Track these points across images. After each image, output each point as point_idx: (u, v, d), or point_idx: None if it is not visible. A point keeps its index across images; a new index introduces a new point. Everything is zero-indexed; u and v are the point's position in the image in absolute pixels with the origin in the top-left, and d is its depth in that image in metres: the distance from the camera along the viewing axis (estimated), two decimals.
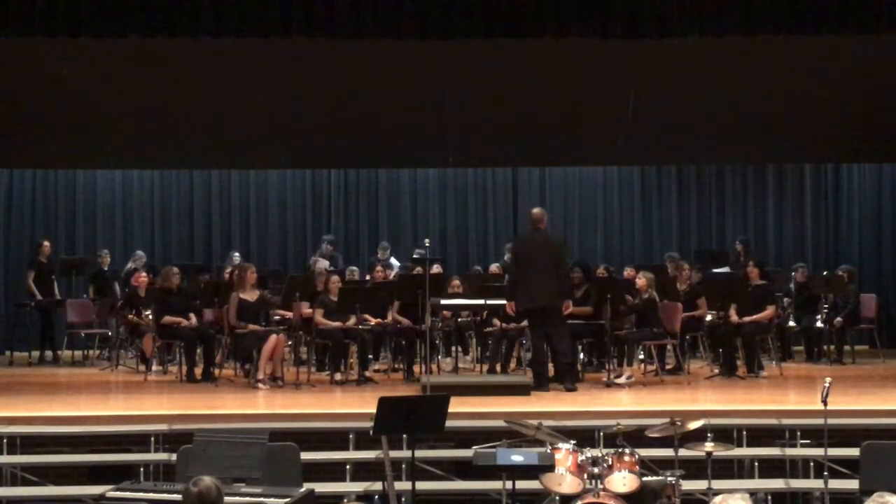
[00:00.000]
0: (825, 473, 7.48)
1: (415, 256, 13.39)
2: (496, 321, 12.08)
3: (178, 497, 5.67)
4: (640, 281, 11.47)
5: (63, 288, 14.57)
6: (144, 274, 13.29)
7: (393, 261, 14.92)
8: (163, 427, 8.68)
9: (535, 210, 11.18)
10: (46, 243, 14.38)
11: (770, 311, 11.93)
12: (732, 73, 11.51)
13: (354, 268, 14.30)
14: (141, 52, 10.58)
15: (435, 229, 16.18)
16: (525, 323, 11.52)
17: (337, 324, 11.44)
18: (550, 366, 10.70)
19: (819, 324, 13.20)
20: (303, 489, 6.41)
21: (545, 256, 10.57)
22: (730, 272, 13.70)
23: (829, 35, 10.06)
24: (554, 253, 10.68)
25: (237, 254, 15.15)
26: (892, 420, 8.73)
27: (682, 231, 16.48)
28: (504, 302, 11.28)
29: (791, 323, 13.55)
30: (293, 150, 13.71)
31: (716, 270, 13.96)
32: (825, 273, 13.85)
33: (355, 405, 9.62)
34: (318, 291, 11.85)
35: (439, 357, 12.81)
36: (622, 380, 11.07)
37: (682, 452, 7.24)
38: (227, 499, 5.05)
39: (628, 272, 13.12)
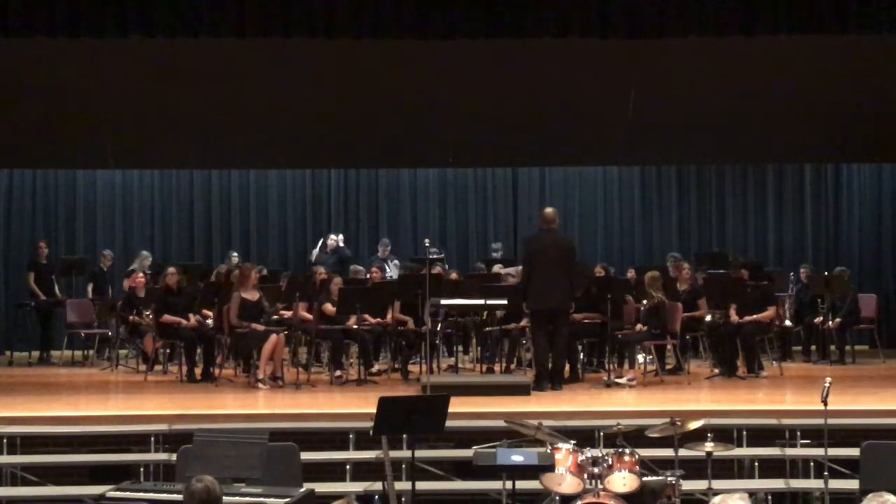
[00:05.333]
0: (825, 473, 7.49)
1: (431, 256, 13.20)
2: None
3: (178, 497, 5.68)
4: (646, 281, 11.48)
5: (63, 288, 14.58)
6: (142, 274, 13.30)
7: (392, 263, 14.92)
8: (163, 427, 8.68)
9: (548, 210, 11.21)
10: (42, 244, 14.40)
11: (770, 311, 11.93)
12: (732, 73, 11.50)
13: (360, 267, 14.28)
14: (141, 52, 10.57)
15: (435, 229, 16.18)
16: (524, 322, 11.55)
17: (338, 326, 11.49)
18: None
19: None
20: (303, 489, 6.42)
21: (556, 258, 10.61)
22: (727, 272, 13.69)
23: (830, 35, 10.05)
24: (565, 254, 10.73)
25: (235, 254, 15.15)
26: (892, 420, 8.74)
27: (682, 231, 16.49)
28: (505, 302, 11.32)
29: (787, 322, 13.52)
30: (293, 150, 13.72)
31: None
32: (826, 273, 13.83)
33: (355, 405, 9.61)
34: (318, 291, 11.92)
35: (439, 357, 12.80)
36: (624, 381, 11.06)
37: (682, 452, 7.24)
38: (227, 499, 5.06)
39: (631, 274, 13.14)
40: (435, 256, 13.10)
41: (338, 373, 11.32)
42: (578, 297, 11.45)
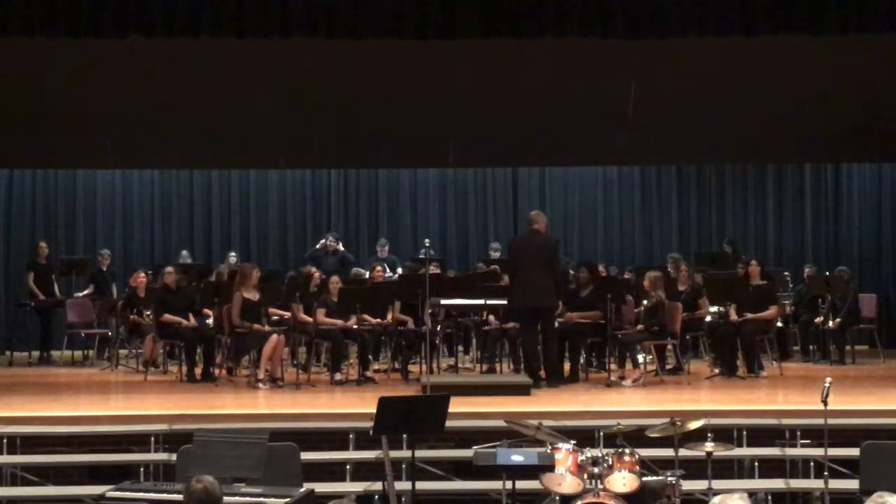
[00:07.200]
0: (825, 473, 7.48)
1: (420, 256, 13.30)
2: (492, 318, 12.14)
3: (178, 497, 5.68)
4: (646, 282, 11.47)
5: (63, 288, 14.58)
6: (143, 274, 13.30)
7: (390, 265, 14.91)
8: (163, 427, 8.67)
9: (532, 212, 11.49)
10: (43, 244, 14.40)
11: (772, 310, 11.93)
12: (732, 73, 11.50)
13: (362, 270, 14.24)
14: (141, 52, 10.57)
15: (435, 229, 16.19)
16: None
17: (339, 322, 11.47)
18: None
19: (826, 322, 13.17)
20: (303, 489, 6.41)
21: (538, 257, 10.72)
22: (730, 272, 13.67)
23: (830, 35, 10.05)
24: (546, 253, 10.82)
25: (234, 254, 15.15)
26: (892, 420, 8.73)
27: (682, 231, 16.50)
28: (504, 302, 11.36)
29: (778, 324, 13.47)
30: (293, 150, 13.72)
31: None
32: (827, 273, 13.82)
33: (355, 405, 9.62)
34: (311, 293, 11.93)
35: (439, 357, 12.80)
36: (627, 383, 11.06)
37: (682, 452, 7.24)
38: (227, 499, 5.06)
39: (627, 276, 13.15)
40: (423, 256, 13.13)
41: (338, 375, 11.31)
42: (579, 297, 11.48)
